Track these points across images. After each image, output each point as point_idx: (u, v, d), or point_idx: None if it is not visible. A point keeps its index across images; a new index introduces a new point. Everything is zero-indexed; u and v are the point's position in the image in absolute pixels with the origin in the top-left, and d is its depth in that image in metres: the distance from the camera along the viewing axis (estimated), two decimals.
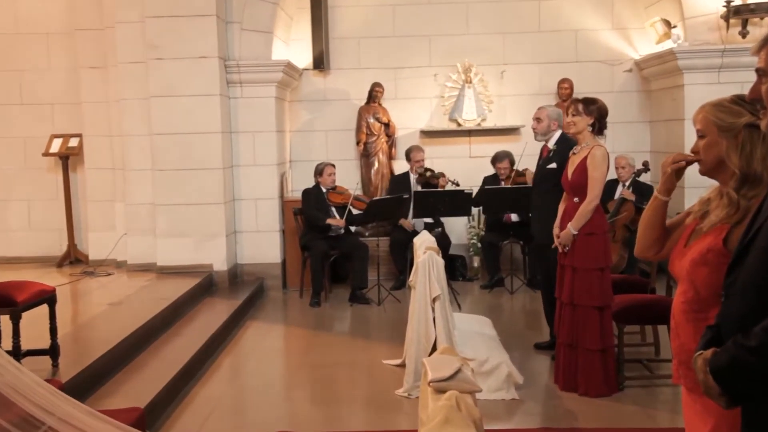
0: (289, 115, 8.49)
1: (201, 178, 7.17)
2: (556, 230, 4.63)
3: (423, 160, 7.75)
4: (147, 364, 4.84)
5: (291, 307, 7.21)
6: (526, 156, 7.34)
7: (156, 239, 7.22)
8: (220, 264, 7.23)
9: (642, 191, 6.93)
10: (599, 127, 4.55)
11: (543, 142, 5.34)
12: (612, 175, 6.98)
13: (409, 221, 7.54)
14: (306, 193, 7.39)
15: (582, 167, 4.49)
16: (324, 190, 7.38)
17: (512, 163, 7.56)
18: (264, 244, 7.67)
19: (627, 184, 7.02)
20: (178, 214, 7.18)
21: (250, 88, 7.55)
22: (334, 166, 7.47)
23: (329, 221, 7.15)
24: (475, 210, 7.83)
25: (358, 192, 7.74)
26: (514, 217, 7.59)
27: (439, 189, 7.48)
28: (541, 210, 4.97)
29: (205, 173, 7.18)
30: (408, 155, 7.83)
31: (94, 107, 7.75)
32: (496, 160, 7.64)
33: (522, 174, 7.29)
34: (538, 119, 5.25)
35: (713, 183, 2.17)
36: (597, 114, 4.51)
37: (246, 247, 7.67)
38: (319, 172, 7.40)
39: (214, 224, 7.22)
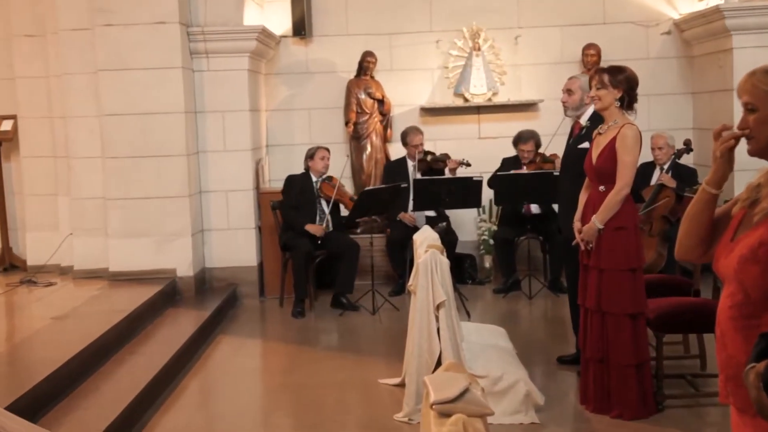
0: (265, 91, 8.47)
1: (161, 167, 7.15)
2: (577, 224, 4.62)
3: (422, 144, 7.73)
4: (98, 388, 4.82)
5: (269, 318, 7.21)
6: (548, 136, 7.32)
7: (107, 240, 7.20)
8: (184, 268, 7.22)
9: (683, 176, 6.93)
10: (628, 100, 4.53)
11: (573, 119, 5.33)
12: (648, 156, 7.01)
13: (410, 214, 7.52)
14: (290, 180, 7.37)
15: (610, 150, 4.48)
16: (314, 179, 7.37)
17: (538, 145, 7.54)
18: (237, 244, 7.66)
19: (666, 167, 7.02)
20: (133, 210, 7.15)
21: (218, 60, 7.52)
22: (328, 150, 7.46)
23: (308, 227, 7.14)
24: (486, 201, 7.82)
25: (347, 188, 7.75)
26: (534, 208, 7.58)
27: (446, 175, 7.46)
28: (571, 198, 4.95)
29: (165, 161, 7.15)
30: (404, 139, 7.81)
31: (30, 83, 7.71)
32: (519, 140, 7.60)
33: (549, 161, 7.27)
34: (569, 91, 5.26)
35: (764, 165, 2.16)
36: (626, 85, 4.50)
37: (215, 248, 7.66)
38: (310, 155, 7.40)
39: (177, 222, 7.20)
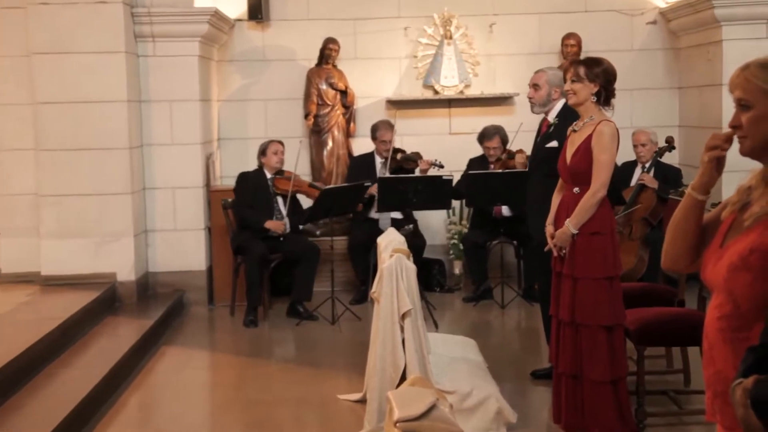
0: (217, 79, 8.43)
1: (100, 162, 7.10)
2: (549, 228, 4.63)
3: (391, 141, 7.71)
4: (26, 405, 4.76)
5: (219, 328, 7.18)
6: (523, 132, 7.36)
7: (40, 241, 7.13)
8: (125, 273, 7.18)
9: (667, 176, 7.02)
10: (605, 95, 4.54)
11: (542, 115, 5.36)
12: (627, 155, 7.08)
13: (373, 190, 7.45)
14: (242, 178, 7.34)
15: (585, 149, 4.48)
16: (269, 175, 7.32)
17: (504, 141, 7.60)
18: (184, 247, 7.63)
19: (647, 166, 7.10)
20: (69, 208, 7.09)
21: (165, 44, 7.48)
22: (282, 143, 7.43)
23: (268, 225, 7.10)
24: (456, 202, 7.83)
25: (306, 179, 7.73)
26: (505, 210, 7.63)
27: (416, 174, 7.47)
28: (540, 201, 4.98)
29: (105, 155, 7.10)
30: (374, 133, 7.79)
31: None
32: (483, 137, 7.67)
33: (512, 157, 7.30)
34: (535, 86, 5.29)
35: (756, 165, 2.17)
36: (603, 79, 4.50)
37: (160, 251, 7.62)
38: (262, 151, 7.37)
39: (119, 221, 7.15)
